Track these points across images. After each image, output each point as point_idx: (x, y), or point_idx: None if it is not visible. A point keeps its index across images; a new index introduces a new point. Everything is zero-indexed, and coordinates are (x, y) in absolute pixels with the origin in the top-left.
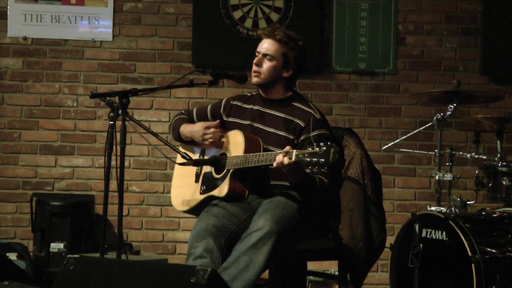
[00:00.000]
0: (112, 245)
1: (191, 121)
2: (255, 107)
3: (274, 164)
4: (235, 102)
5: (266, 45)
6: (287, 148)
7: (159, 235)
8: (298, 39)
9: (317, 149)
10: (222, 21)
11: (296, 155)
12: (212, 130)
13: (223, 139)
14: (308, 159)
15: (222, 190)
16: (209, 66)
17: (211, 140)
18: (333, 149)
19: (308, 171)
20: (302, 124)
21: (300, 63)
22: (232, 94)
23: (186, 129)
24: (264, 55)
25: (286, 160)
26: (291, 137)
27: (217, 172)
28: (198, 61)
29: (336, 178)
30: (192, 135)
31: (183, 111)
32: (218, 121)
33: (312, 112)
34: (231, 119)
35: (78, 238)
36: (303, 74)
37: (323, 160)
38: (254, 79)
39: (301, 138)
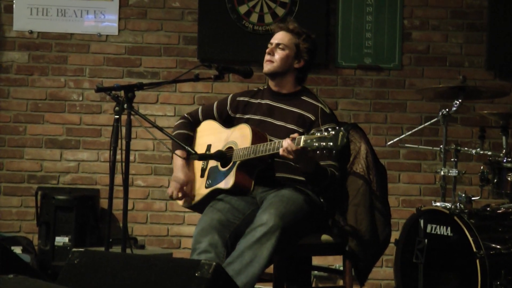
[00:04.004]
0: (117, 239)
1: (196, 123)
2: (264, 101)
3: (281, 151)
4: (241, 98)
5: (279, 36)
6: (295, 134)
7: (164, 229)
8: (310, 33)
9: (326, 133)
10: (228, 15)
11: (304, 141)
12: (179, 194)
13: (231, 134)
14: (317, 144)
15: (228, 182)
16: (214, 61)
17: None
18: (341, 132)
19: (323, 163)
20: (313, 118)
21: (312, 56)
22: (238, 88)
23: (175, 165)
24: (277, 44)
25: (293, 146)
26: (301, 130)
27: (223, 166)
28: (203, 56)
29: (343, 172)
30: (173, 176)
31: (187, 116)
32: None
33: (322, 106)
34: (239, 116)
35: (83, 232)
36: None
37: (331, 144)
38: (266, 67)
39: (311, 132)
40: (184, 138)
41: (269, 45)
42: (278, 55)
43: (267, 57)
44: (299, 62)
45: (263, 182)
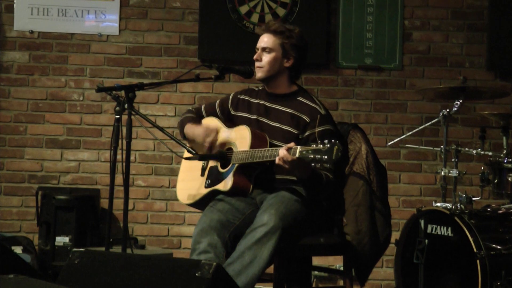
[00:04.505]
0: (117, 239)
1: (199, 118)
2: (261, 102)
3: (277, 160)
4: (242, 96)
5: (263, 39)
6: (291, 144)
7: (165, 229)
8: (293, 28)
9: (321, 146)
10: (229, 15)
11: (300, 152)
12: (211, 137)
13: (230, 134)
14: (312, 156)
15: (226, 184)
16: (215, 61)
17: (209, 144)
18: (336, 146)
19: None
20: (307, 120)
21: (300, 51)
22: (238, 88)
23: (189, 130)
24: (263, 49)
25: (289, 157)
26: (296, 132)
27: (223, 167)
28: (204, 56)
29: (340, 174)
30: (194, 137)
31: (191, 109)
32: (215, 129)
33: (317, 107)
34: (239, 113)
35: (84, 232)
36: (309, 69)
37: (326, 157)
38: (258, 74)
39: (306, 134)
40: (191, 119)
41: (256, 50)
42: (266, 59)
43: (256, 63)
44: (288, 61)
45: (263, 184)
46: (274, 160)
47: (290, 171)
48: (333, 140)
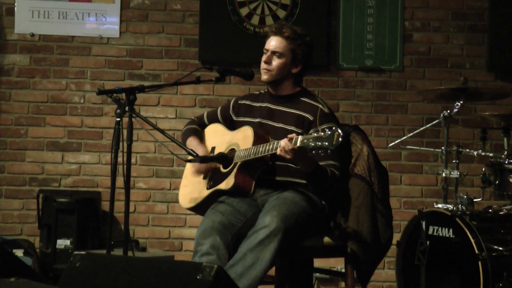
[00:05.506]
0: (118, 241)
1: (202, 126)
2: (264, 105)
3: (278, 151)
4: (243, 102)
5: (274, 43)
6: (293, 134)
7: (166, 231)
8: (305, 35)
9: (322, 133)
10: (229, 18)
11: (301, 141)
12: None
13: (233, 135)
14: (313, 144)
15: (228, 182)
16: (216, 63)
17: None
18: (337, 132)
19: (321, 163)
20: (311, 118)
21: (308, 58)
22: (239, 91)
23: (192, 145)
24: (273, 52)
25: (290, 146)
26: (300, 131)
27: (225, 167)
28: (205, 58)
29: (344, 172)
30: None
31: (194, 118)
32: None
33: (321, 106)
34: (241, 119)
35: (85, 234)
36: (310, 71)
37: (326, 143)
38: (264, 77)
39: (309, 132)
40: (193, 131)
41: (264, 51)
42: (275, 63)
43: (264, 65)
44: (296, 67)
45: (265, 185)
46: (275, 159)
47: (293, 163)
48: (333, 127)
